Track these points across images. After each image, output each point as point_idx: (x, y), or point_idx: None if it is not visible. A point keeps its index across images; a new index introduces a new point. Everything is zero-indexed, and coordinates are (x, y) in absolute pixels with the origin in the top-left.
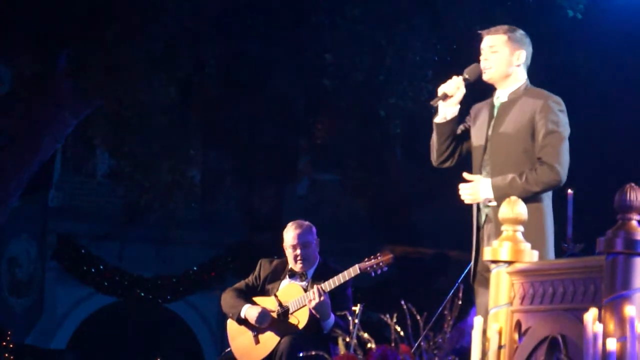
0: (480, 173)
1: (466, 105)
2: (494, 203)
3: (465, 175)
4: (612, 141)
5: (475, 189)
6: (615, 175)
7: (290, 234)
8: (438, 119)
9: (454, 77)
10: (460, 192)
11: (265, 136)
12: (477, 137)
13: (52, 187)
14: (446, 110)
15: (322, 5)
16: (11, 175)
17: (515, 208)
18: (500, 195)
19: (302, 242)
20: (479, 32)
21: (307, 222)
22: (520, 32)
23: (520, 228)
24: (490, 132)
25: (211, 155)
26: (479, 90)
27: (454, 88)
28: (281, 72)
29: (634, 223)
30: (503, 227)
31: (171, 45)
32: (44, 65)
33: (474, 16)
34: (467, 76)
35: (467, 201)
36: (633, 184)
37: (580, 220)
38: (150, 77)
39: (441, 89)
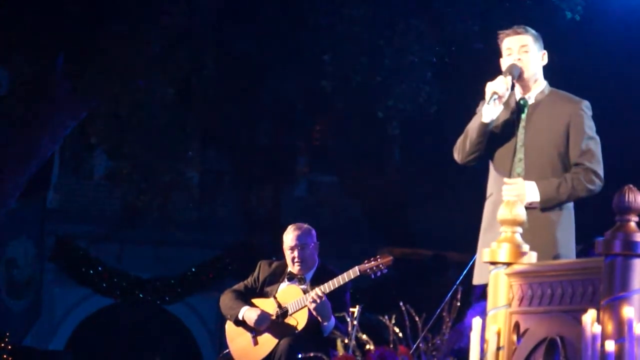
0: (510, 173)
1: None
2: (536, 206)
3: (507, 180)
4: (610, 142)
5: (521, 190)
6: (613, 177)
7: (289, 236)
8: (486, 119)
9: (501, 77)
10: (504, 192)
11: (264, 137)
12: (503, 137)
13: (50, 189)
14: (494, 110)
15: (320, 7)
16: (9, 176)
17: (513, 210)
18: (547, 198)
19: (300, 243)
20: (498, 32)
21: (306, 225)
22: (536, 32)
23: (519, 229)
24: (521, 134)
25: (209, 156)
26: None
27: (504, 88)
28: (279, 74)
29: (633, 224)
30: (502, 229)
31: (169, 46)
32: (42, 66)
33: (473, 18)
34: (510, 76)
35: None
36: (632, 186)
37: (578, 221)
38: (148, 78)
39: (490, 89)
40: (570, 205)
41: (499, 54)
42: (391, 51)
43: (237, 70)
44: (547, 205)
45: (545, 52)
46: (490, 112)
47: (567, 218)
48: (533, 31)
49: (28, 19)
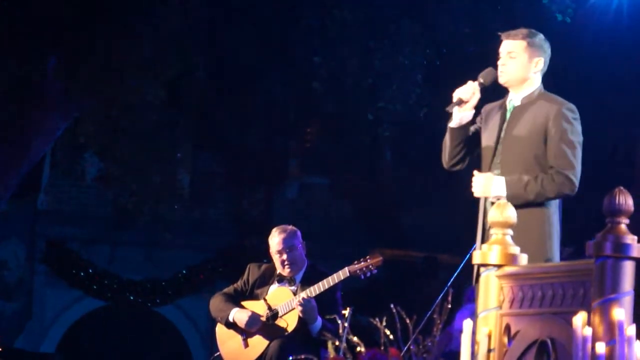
0: None
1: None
2: (503, 201)
3: (476, 172)
4: (602, 144)
5: (487, 183)
6: (604, 179)
7: (275, 240)
8: (453, 124)
9: (469, 82)
10: (472, 184)
11: (255, 139)
12: (488, 139)
13: (41, 191)
14: (461, 115)
15: (312, 9)
16: (0, 178)
17: (504, 212)
18: (513, 195)
19: (287, 246)
20: (499, 33)
21: (290, 226)
22: (540, 38)
23: (510, 232)
24: (502, 135)
25: (201, 158)
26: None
27: (469, 93)
28: (271, 75)
29: (623, 227)
30: (492, 231)
31: (161, 48)
32: (33, 67)
33: (464, 20)
34: (482, 80)
35: (476, 194)
36: (622, 188)
37: (569, 223)
38: (139, 80)
39: (456, 94)
40: (554, 207)
41: (491, 56)
42: (382, 53)
43: (229, 72)
44: (513, 202)
45: (540, 59)
46: (456, 116)
47: (544, 220)
48: (532, 38)
49: (20, 20)
